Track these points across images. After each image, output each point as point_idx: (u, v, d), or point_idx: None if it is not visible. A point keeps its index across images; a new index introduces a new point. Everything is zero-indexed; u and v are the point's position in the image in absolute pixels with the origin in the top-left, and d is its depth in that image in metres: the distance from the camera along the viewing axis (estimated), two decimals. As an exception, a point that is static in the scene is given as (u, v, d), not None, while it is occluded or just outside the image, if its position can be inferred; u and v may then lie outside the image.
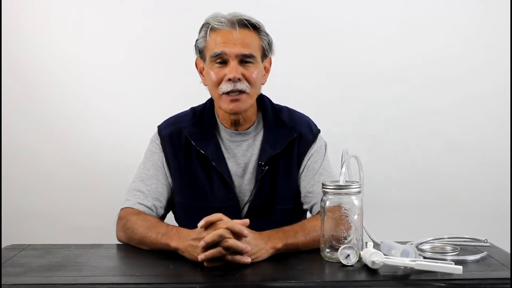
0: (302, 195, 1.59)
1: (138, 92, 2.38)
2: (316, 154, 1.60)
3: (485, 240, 1.37)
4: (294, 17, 2.33)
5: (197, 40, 1.57)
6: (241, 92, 1.50)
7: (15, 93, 2.34)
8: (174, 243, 1.31)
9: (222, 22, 1.50)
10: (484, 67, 2.39)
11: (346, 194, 1.25)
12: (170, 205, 1.62)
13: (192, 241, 1.27)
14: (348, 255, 1.20)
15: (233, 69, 1.48)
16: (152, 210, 1.54)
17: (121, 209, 1.54)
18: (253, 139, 1.61)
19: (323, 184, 1.28)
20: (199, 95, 1.67)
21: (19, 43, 2.34)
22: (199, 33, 1.56)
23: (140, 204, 1.53)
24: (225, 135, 1.60)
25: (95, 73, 2.37)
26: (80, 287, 1.11)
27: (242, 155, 1.60)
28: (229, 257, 1.23)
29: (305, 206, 1.60)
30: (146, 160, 1.62)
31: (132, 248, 1.42)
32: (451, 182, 2.42)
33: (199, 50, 1.57)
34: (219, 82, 1.51)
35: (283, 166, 1.58)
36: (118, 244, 1.47)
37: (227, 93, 1.50)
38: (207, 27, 1.53)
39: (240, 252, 1.23)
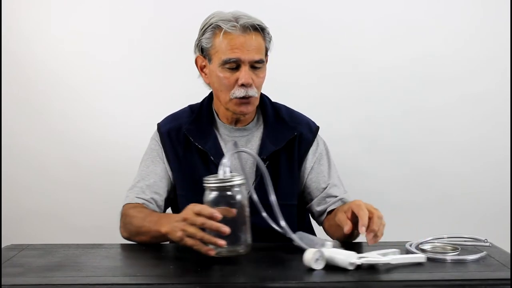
0: (323, 194, 1.60)
1: (139, 91, 2.37)
2: (321, 157, 1.64)
3: (485, 240, 1.37)
4: (294, 17, 2.32)
5: (200, 39, 1.56)
6: (251, 97, 1.54)
7: (15, 93, 2.34)
8: (164, 228, 1.31)
9: (235, 27, 1.50)
10: (484, 67, 2.38)
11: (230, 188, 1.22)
12: (172, 198, 1.64)
13: (175, 222, 1.26)
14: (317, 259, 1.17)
15: (246, 74, 1.51)
16: (151, 203, 1.56)
17: (122, 207, 1.56)
18: (252, 134, 1.63)
19: (204, 180, 1.24)
20: (198, 95, 1.68)
21: (19, 43, 2.33)
22: (204, 32, 1.55)
23: (138, 198, 1.56)
24: (224, 131, 1.62)
25: (95, 73, 2.36)
26: (80, 287, 1.11)
27: None
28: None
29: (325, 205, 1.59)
30: (145, 158, 1.65)
31: (133, 248, 1.42)
32: (451, 182, 2.41)
33: (201, 49, 1.57)
34: (232, 87, 1.53)
35: (285, 163, 1.59)
36: (118, 244, 1.46)
37: (239, 97, 1.52)
38: (217, 29, 1.52)
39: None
